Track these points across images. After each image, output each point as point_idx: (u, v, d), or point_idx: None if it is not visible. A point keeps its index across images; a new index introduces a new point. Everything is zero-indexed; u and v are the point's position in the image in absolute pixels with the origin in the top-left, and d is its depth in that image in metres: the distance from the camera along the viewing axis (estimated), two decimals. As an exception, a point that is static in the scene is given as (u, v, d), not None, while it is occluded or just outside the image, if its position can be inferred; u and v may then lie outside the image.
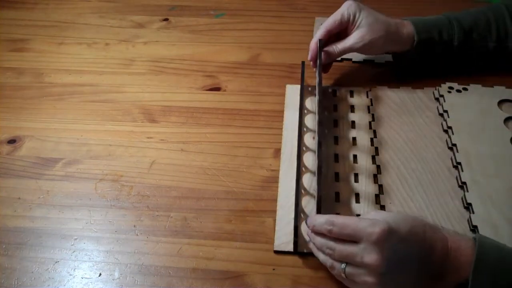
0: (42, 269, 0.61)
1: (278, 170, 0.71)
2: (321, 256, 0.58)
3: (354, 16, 0.77)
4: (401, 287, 0.54)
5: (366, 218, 0.55)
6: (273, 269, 0.60)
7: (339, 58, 0.86)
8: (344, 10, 0.77)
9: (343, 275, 0.55)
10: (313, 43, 0.78)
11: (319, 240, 0.57)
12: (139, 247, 0.63)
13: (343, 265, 0.55)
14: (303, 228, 0.64)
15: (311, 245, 0.59)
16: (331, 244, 0.55)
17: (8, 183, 0.71)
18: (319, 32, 0.78)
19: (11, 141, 0.77)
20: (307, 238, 0.60)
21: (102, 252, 0.63)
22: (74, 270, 0.61)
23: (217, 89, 0.84)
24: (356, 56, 0.89)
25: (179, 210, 0.67)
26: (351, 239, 0.54)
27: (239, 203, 0.67)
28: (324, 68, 0.81)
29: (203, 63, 0.89)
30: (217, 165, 0.72)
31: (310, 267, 0.61)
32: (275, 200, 0.67)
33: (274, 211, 0.66)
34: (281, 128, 0.77)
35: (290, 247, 0.62)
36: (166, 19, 1.00)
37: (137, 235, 0.65)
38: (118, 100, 0.83)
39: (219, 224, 0.65)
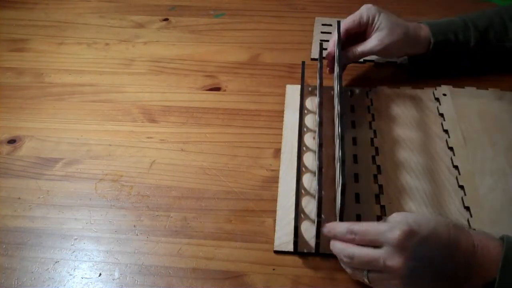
0: (42, 269, 0.61)
1: (278, 170, 0.71)
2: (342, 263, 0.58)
3: (374, 19, 0.77)
4: None
5: (387, 221, 0.54)
6: (273, 269, 0.60)
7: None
8: (364, 12, 0.78)
9: (366, 280, 0.55)
10: (332, 43, 0.78)
11: (338, 246, 0.57)
12: (139, 247, 0.63)
13: (365, 272, 0.54)
14: (303, 228, 0.64)
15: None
16: (349, 251, 0.55)
17: (8, 183, 0.71)
18: (339, 32, 0.77)
19: (11, 141, 0.77)
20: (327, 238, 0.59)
21: (102, 252, 0.63)
22: (74, 270, 0.61)
23: (217, 89, 0.84)
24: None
25: (179, 210, 0.67)
26: (373, 244, 0.53)
27: (239, 203, 0.67)
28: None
29: (203, 63, 0.89)
30: (217, 165, 0.72)
31: (310, 267, 0.61)
32: (275, 200, 0.67)
33: (274, 211, 0.66)
34: (281, 128, 0.77)
35: (290, 247, 0.62)
36: (166, 19, 1.00)
37: (137, 235, 0.65)
38: (118, 100, 0.83)
39: (219, 224, 0.65)
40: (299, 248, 0.62)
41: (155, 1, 1.04)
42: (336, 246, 0.57)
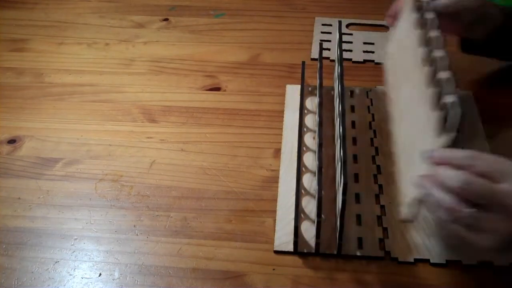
0: (42, 269, 0.61)
1: (278, 170, 0.71)
2: (442, 200, 0.50)
3: None
4: None
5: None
6: (273, 269, 0.60)
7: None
8: None
9: (470, 220, 0.48)
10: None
11: (449, 173, 0.49)
12: (139, 247, 0.63)
13: (470, 210, 0.48)
14: (303, 228, 0.64)
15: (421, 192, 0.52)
16: (468, 178, 0.48)
17: (8, 183, 0.71)
18: None
19: (11, 141, 0.77)
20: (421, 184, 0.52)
21: (102, 252, 0.63)
22: (74, 270, 0.61)
23: (217, 89, 0.84)
24: (356, 56, 0.89)
25: (179, 210, 0.67)
26: (495, 179, 0.48)
27: (239, 203, 0.67)
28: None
29: (203, 63, 0.90)
30: (217, 165, 0.72)
31: (310, 267, 0.61)
32: (275, 200, 0.67)
33: (274, 211, 0.66)
34: (281, 128, 0.77)
35: (290, 247, 0.62)
36: (166, 19, 1.00)
37: (137, 235, 0.65)
38: (118, 100, 0.83)
39: (219, 224, 0.65)
40: (299, 248, 0.62)
41: (155, 1, 1.04)
42: (448, 173, 0.49)
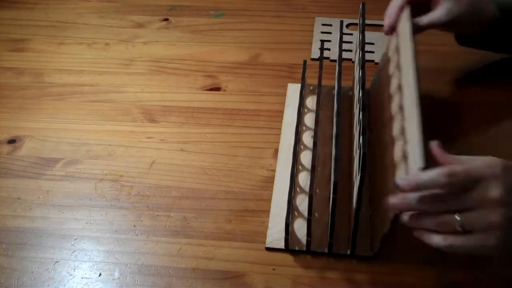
0: (42, 269, 0.61)
1: (278, 170, 0.71)
2: (423, 221, 0.51)
3: None
4: None
5: (473, 159, 0.52)
6: (273, 269, 0.60)
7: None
8: None
9: (458, 227, 0.49)
10: (396, 8, 0.72)
11: (420, 194, 0.50)
12: (139, 247, 0.63)
13: (457, 216, 0.49)
14: (297, 225, 0.64)
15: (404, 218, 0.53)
16: (441, 196, 0.50)
17: (8, 183, 0.71)
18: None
19: (11, 141, 0.77)
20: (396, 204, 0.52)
21: (102, 252, 0.63)
22: (74, 270, 0.61)
23: (217, 89, 0.84)
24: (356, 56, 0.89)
25: (179, 210, 0.67)
26: (474, 184, 0.49)
27: (239, 203, 0.67)
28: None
29: (203, 63, 0.89)
30: (217, 165, 0.72)
31: (310, 267, 0.61)
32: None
33: (274, 211, 0.66)
34: (281, 128, 0.77)
35: (281, 244, 0.62)
36: (166, 19, 1.00)
37: (137, 235, 0.65)
38: (118, 100, 0.83)
39: (219, 224, 0.65)
40: (290, 245, 0.62)
41: (155, 1, 1.04)
42: (416, 195, 0.50)
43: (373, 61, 0.88)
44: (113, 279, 0.60)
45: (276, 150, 0.74)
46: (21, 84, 0.87)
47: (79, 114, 0.81)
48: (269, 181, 0.70)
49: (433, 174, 0.50)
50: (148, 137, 0.77)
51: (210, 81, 0.86)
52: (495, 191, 0.49)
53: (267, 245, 0.62)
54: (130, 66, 0.90)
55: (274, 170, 0.71)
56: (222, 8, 1.02)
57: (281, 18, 0.99)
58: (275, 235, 0.63)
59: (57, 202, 0.69)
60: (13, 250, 0.63)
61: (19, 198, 0.69)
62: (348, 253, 0.61)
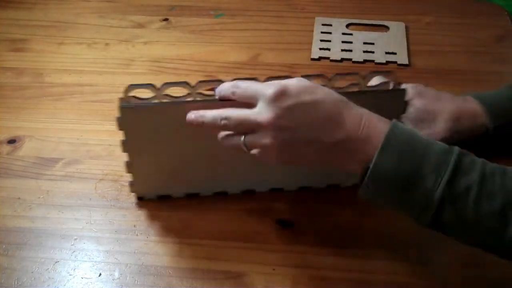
0: (42, 269, 0.61)
1: (278, 170, 0.71)
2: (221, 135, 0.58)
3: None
4: (302, 158, 0.54)
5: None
6: (273, 269, 0.60)
7: (339, 58, 0.86)
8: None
9: (244, 147, 0.55)
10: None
11: (214, 112, 0.56)
12: (139, 247, 0.63)
13: (242, 137, 0.55)
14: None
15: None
16: (227, 112, 0.55)
17: (8, 183, 0.71)
18: None
19: (11, 141, 0.77)
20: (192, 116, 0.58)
21: (102, 252, 0.63)
22: (74, 270, 0.61)
23: (217, 89, 0.84)
24: (356, 56, 0.89)
25: (179, 210, 0.67)
26: (251, 101, 0.54)
27: (239, 203, 0.67)
28: None
29: (203, 63, 0.89)
30: (217, 165, 0.72)
31: (310, 267, 0.61)
32: (275, 200, 0.67)
33: (274, 211, 0.66)
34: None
35: None
36: (166, 19, 1.00)
37: (137, 235, 0.65)
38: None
39: (219, 224, 0.65)
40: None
41: (155, 1, 1.04)
42: (213, 112, 0.56)
43: (373, 61, 0.88)
44: (113, 279, 0.60)
45: (276, 150, 0.74)
46: (21, 84, 0.87)
47: (79, 114, 0.81)
48: (269, 181, 0.70)
49: (228, 84, 0.57)
50: (148, 137, 0.77)
51: (210, 81, 0.86)
52: (263, 116, 0.53)
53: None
54: (130, 66, 0.90)
55: (274, 170, 0.71)
56: (222, 8, 1.02)
57: (281, 18, 0.99)
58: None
59: (57, 202, 0.68)
60: (13, 250, 0.63)
61: (19, 198, 0.69)
62: None
